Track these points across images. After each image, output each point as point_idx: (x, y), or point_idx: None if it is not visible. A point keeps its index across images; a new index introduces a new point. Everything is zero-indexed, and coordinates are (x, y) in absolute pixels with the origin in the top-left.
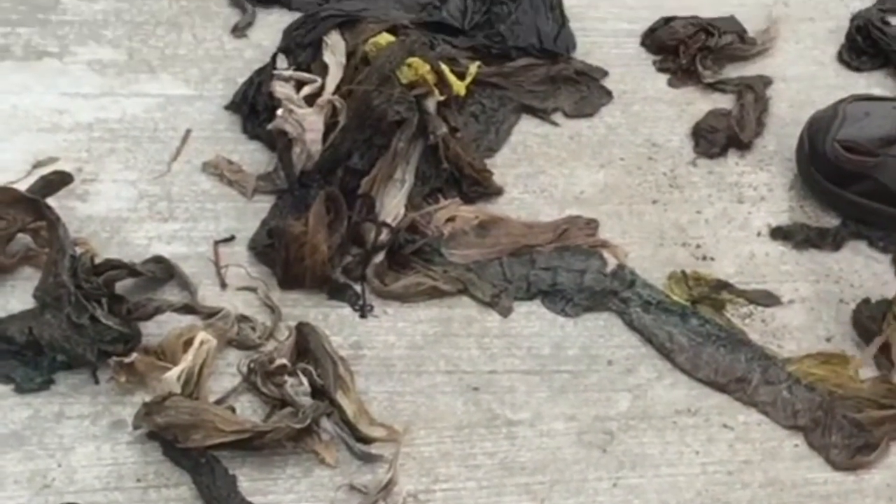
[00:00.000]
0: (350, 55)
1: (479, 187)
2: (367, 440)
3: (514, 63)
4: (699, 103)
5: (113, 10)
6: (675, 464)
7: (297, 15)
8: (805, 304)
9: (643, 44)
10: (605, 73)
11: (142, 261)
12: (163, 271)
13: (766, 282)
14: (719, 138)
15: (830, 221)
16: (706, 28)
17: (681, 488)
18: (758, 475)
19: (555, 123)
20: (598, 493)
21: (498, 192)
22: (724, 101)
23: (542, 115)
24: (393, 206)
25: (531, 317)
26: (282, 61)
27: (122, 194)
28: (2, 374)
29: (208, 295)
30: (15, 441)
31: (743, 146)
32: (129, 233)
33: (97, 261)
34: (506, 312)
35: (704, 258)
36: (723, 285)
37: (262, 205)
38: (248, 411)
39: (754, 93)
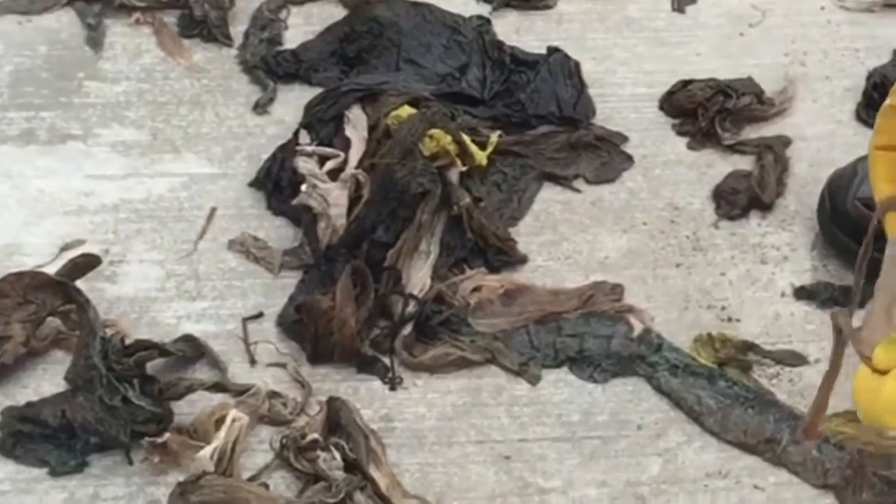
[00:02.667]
0: (372, 129)
1: (504, 256)
2: None
3: (534, 131)
4: (719, 165)
5: (135, 91)
6: None
7: (317, 90)
8: None
9: (662, 107)
10: (625, 138)
11: (171, 340)
12: (193, 350)
13: (792, 342)
14: (740, 200)
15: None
16: (724, 90)
17: None
18: None
19: (577, 190)
20: None
21: (522, 260)
22: (744, 163)
23: (563, 181)
24: (419, 277)
25: (559, 384)
26: (304, 137)
27: (149, 274)
28: (36, 457)
29: (238, 372)
30: None
31: (764, 207)
32: (158, 313)
33: (127, 342)
34: (534, 381)
35: (730, 320)
36: (749, 346)
37: (290, 280)
38: (282, 487)
39: (774, 153)
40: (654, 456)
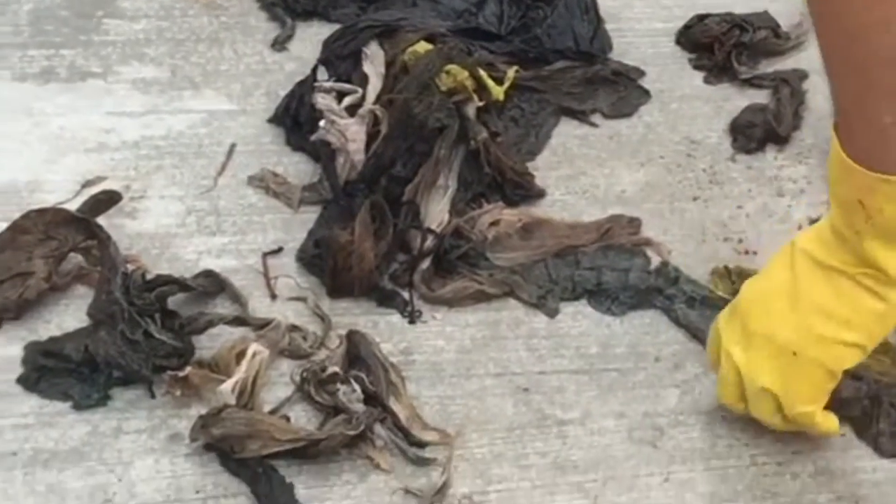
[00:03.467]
0: (389, 64)
1: (522, 190)
2: (420, 444)
3: (551, 66)
4: (736, 99)
5: (154, 29)
6: (725, 457)
7: (336, 26)
8: None
9: (678, 42)
10: (642, 73)
11: (192, 275)
12: (213, 285)
13: None
14: (757, 133)
15: None
16: (740, 24)
17: (732, 481)
18: (808, 465)
19: (594, 124)
20: (650, 489)
21: (540, 194)
22: (761, 97)
23: (580, 116)
24: (437, 212)
25: (578, 317)
26: (322, 73)
27: (170, 210)
28: (59, 391)
29: (259, 306)
30: (75, 457)
31: (781, 140)
32: (179, 248)
33: (148, 277)
34: (552, 314)
35: (747, 252)
36: None
37: (309, 215)
38: (303, 420)
39: (790, 87)
40: (672, 388)
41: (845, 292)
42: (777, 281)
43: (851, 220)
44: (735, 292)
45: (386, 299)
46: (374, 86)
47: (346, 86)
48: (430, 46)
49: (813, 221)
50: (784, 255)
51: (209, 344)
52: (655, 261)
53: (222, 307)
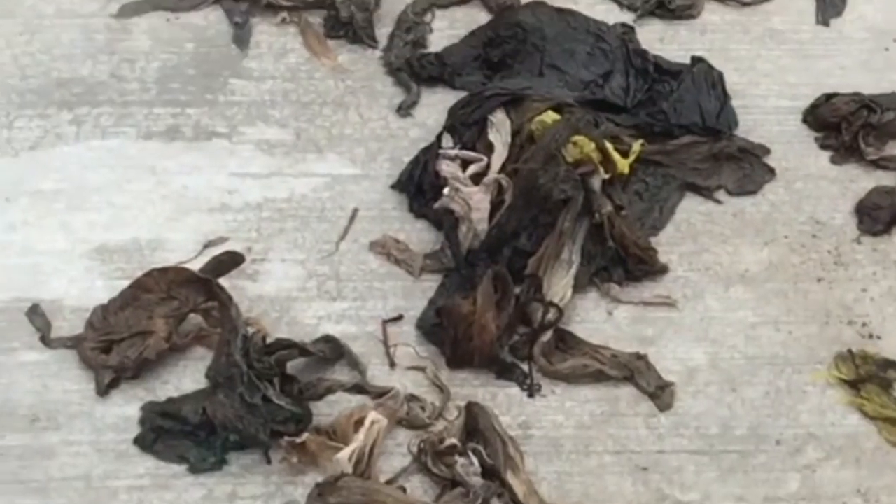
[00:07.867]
0: (515, 134)
1: (645, 266)
2: None
3: (676, 141)
4: (862, 180)
5: (280, 91)
6: None
7: (461, 94)
8: None
9: (805, 121)
10: (768, 151)
11: (312, 340)
12: (333, 351)
13: None
14: (883, 215)
15: None
16: (868, 105)
17: None
18: None
19: (718, 201)
20: None
21: (663, 270)
22: (888, 178)
23: (705, 192)
24: (560, 286)
25: (698, 396)
26: (447, 140)
27: (291, 274)
28: (176, 453)
29: (378, 374)
30: None
31: None
32: (299, 312)
33: (268, 341)
34: (665, 408)
35: (871, 336)
36: (890, 364)
37: (430, 283)
38: (419, 491)
39: None
40: (793, 472)
41: None
42: None
43: None
44: (858, 377)
45: (505, 371)
46: (500, 154)
47: (471, 154)
48: (557, 116)
49: None
50: None
51: (327, 410)
52: None
53: (341, 374)
